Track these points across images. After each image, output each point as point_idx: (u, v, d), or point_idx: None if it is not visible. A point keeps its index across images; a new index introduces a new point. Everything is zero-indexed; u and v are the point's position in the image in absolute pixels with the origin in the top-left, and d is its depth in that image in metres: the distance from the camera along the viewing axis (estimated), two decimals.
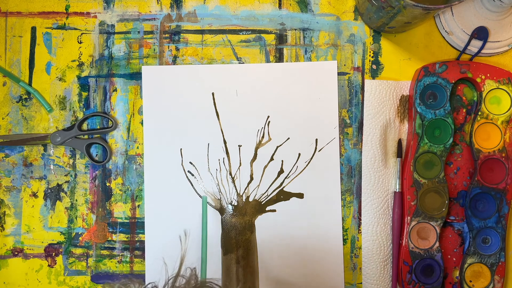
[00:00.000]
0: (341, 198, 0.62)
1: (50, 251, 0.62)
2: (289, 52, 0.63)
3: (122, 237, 0.62)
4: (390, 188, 0.62)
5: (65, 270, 0.62)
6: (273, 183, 0.62)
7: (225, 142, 0.62)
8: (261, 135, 0.62)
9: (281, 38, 0.63)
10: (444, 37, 0.63)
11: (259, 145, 0.62)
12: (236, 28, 0.63)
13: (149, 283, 0.46)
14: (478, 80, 0.60)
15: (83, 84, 0.63)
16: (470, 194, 0.59)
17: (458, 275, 0.60)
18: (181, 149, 0.62)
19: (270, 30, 0.63)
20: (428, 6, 0.50)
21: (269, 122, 0.62)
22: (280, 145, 0.62)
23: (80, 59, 0.63)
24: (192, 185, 0.62)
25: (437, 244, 0.59)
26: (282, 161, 0.62)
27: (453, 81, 0.60)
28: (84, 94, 0.63)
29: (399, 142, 0.62)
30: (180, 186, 0.62)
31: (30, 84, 0.63)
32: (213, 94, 0.63)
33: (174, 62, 0.63)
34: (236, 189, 0.62)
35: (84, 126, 0.63)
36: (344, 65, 0.63)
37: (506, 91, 0.60)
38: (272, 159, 0.62)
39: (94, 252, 0.62)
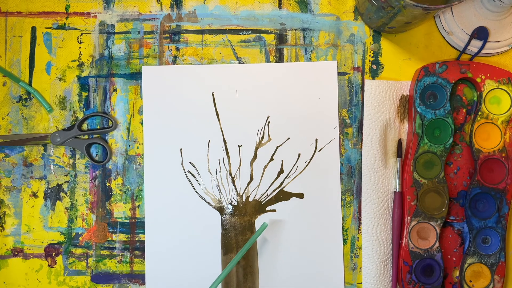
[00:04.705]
0: (341, 198, 0.62)
1: (50, 251, 0.62)
2: (289, 52, 0.63)
3: (122, 237, 0.62)
4: (390, 188, 0.62)
5: (65, 270, 0.62)
6: (273, 183, 0.62)
7: (225, 142, 0.62)
8: (261, 135, 0.62)
9: (281, 38, 0.63)
10: (444, 37, 0.63)
11: (259, 145, 0.62)
12: (236, 28, 0.63)
13: None
14: (478, 80, 0.60)
15: (83, 84, 0.63)
16: (470, 194, 0.59)
17: (458, 275, 0.60)
18: (181, 149, 0.62)
19: (270, 30, 0.63)
20: (428, 6, 0.50)
21: (269, 122, 0.62)
22: (280, 145, 0.62)
23: (80, 59, 0.63)
24: (192, 185, 0.62)
25: (437, 244, 0.59)
26: (282, 161, 0.62)
27: (453, 81, 0.60)
28: (84, 94, 0.63)
29: (399, 142, 0.62)
30: (180, 186, 0.62)
31: (30, 84, 0.63)
32: (213, 94, 0.63)
33: (174, 62, 0.63)
34: (236, 189, 0.62)
35: (84, 126, 0.63)
36: (344, 65, 0.63)
37: (506, 91, 0.60)
38: (272, 159, 0.62)
39: (94, 252, 0.62)
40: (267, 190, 0.62)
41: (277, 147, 0.62)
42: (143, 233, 0.62)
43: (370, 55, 0.63)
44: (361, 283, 0.62)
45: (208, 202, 0.62)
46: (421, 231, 0.60)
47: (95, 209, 0.62)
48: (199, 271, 0.61)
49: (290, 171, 0.62)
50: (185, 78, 0.63)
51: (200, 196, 0.62)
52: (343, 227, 0.62)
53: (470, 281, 0.60)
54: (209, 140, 0.62)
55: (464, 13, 0.61)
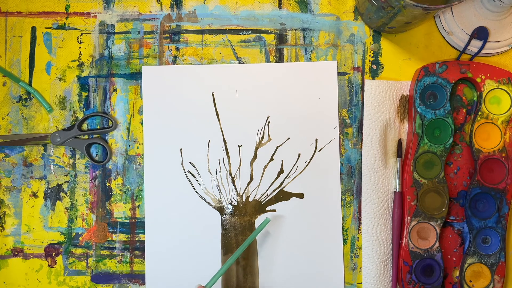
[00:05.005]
0: (341, 198, 0.62)
1: (50, 251, 0.62)
2: (289, 52, 0.63)
3: (122, 237, 0.62)
4: (390, 188, 0.62)
5: (65, 270, 0.62)
6: (273, 183, 0.62)
7: (225, 142, 0.62)
8: (261, 135, 0.62)
9: (281, 38, 0.63)
10: (444, 37, 0.63)
11: (259, 145, 0.62)
12: (236, 28, 0.63)
13: None
14: (478, 80, 0.60)
15: (83, 84, 0.63)
16: (470, 194, 0.59)
17: (458, 275, 0.60)
18: (181, 149, 0.62)
19: (270, 30, 0.63)
20: (428, 6, 0.50)
21: (269, 122, 0.62)
22: (280, 145, 0.62)
23: (80, 59, 0.63)
24: (192, 185, 0.62)
25: (437, 244, 0.59)
26: (282, 161, 0.62)
27: (453, 81, 0.60)
28: (84, 94, 0.63)
29: (399, 142, 0.62)
30: (180, 186, 0.62)
31: (30, 84, 0.63)
32: (213, 94, 0.63)
33: (174, 62, 0.63)
34: (236, 189, 0.62)
35: (84, 126, 0.63)
36: (344, 65, 0.63)
37: (506, 91, 0.60)
38: (272, 159, 0.62)
39: (94, 252, 0.62)
40: (267, 190, 0.62)
41: (277, 147, 0.62)
42: (143, 233, 0.62)
43: (370, 55, 0.63)
44: (361, 283, 0.62)
45: (208, 202, 0.62)
46: (421, 231, 0.60)
47: (95, 209, 0.62)
48: (199, 271, 0.61)
49: (290, 171, 0.62)
50: (185, 78, 0.63)
51: (200, 196, 0.62)
52: (343, 227, 0.62)
53: (470, 281, 0.60)
54: (209, 140, 0.62)
55: (464, 13, 0.61)
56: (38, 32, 0.63)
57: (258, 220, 0.62)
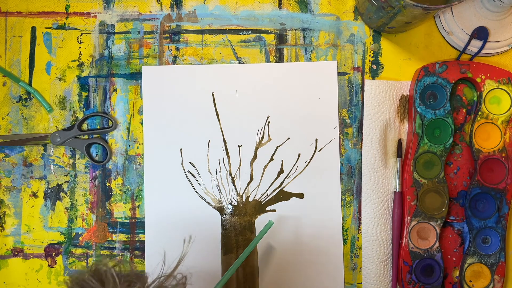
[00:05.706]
0: (341, 198, 0.62)
1: (50, 251, 0.62)
2: (289, 52, 0.63)
3: (122, 237, 0.62)
4: (390, 188, 0.62)
5: (65, 270, 0.62)
6: (273, 183, 0.62)
7: (225, 142, 0.62)
8: (261, 135, 0.62)
9: (281, 38, 0.63)
10: (444, 37, 0.63)
11: (259, 145, 0.62)
12: (236, 28, 0.63)
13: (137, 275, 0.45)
14: (478, 80, 0.60)
15: (83, 84, 0.63)
16: (470, 194, 0.59)
17: (458, 275, 0.60)
18: (181, 149, 0.62)
19: (270, 30, 0.63)
20: (428, 6, 0.50)
21: (269, 122, 0.62)
22: (280, 145, 0.62)
23: (80, 59, 0.63)
24: (192, 185, 0.62)
25: (437, 244, 0.59)
26: (282, 161, 0.62)
27: (453, 81, 0.60)
28: (84, 94, 0.63)
29: (399, 142, 0.62)
30: (180, 186, 0.62)
31: (30, 84, 0.63)
32: (213, 94, 0.63)
33: (174, 62, 0.63)
34: (236, 189, 0.62)
35: (84, 126, 0.63)
36: (344, 65, 0.63)
37: (506, 91, 0.60)
38: (272, 159, 0.62)
39: (94, 252, 0.62)
40: (267, 190, 0.62)
41: (277, 147, 0.62)
42: (143, 233, 0.62)
43: (370, 55, 0.63)
44: (361, 283, 0.62)
45: (208, 202, 0.62)
46: (421, 231, 0.60)
47: (95, 209, 0.62)
48: (199, 271, 0.61)
49: (290, 171, 0.62)
50: (185, 78, 0.63)
51: (200, 196, 0.62)
52: (343, 227, 0.62)
53: (470, 281, 0.60)
54: (209, 140, 0.62)
55: (464, 13, 0.61)
56: (38, 32, 0.63)
57: (258, 220, 0.62)
